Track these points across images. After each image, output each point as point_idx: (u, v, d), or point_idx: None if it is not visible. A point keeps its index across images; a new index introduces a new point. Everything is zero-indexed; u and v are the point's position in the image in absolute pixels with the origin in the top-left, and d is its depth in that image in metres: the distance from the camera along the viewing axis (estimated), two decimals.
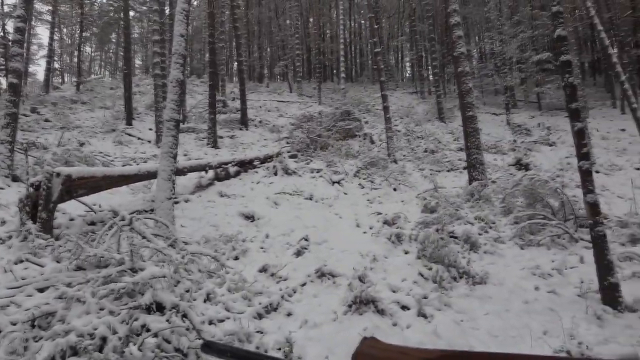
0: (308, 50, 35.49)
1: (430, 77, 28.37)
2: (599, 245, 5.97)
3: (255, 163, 11.91)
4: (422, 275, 6.33)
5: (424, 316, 5.35)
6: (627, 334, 5.25)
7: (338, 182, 11.05)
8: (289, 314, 5.29)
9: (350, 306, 5.39)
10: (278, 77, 38.38)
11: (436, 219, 8.24)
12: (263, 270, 6.53)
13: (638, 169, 12.50)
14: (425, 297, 5.70)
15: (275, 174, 11.39)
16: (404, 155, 14.04)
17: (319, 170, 11.74)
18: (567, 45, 7.13)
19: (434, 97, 22.13)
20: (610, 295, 5.79)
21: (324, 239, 7.89)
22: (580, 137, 6.51)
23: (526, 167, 12.58)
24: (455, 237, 7.65)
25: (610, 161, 13.22)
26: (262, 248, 7.53)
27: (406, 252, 7.23)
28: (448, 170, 12.97)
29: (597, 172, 11.86)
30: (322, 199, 9.95)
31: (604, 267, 5.87)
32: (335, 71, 37.57)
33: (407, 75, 43.41)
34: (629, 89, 15.78)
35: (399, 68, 43.70)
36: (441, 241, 6.84)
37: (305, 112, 18.70)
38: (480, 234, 8.01)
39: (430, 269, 6.43)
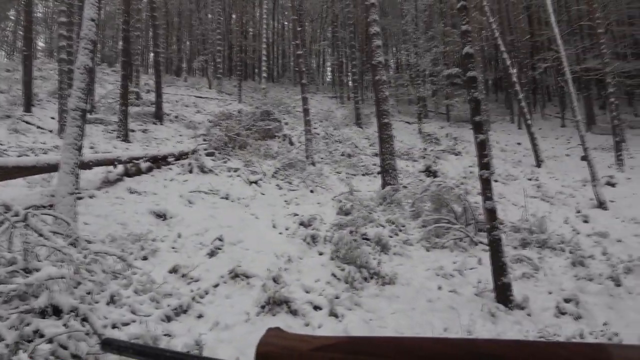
0: (230, 47, 34.84)
1: (350, 83, 29.15)
2: (495, 248, 6.51)
3: (170, 159, 11.45)
4: (335, 276, 6.47)
5: (335, 316, 5.48)
6: (516, 330, 5.77)
7: (256, 182, 10.97)
8: (199, 316, 5.14)
9: (263, 307, 5.37)
10: (197, 72, 37.24)
11: (350, 221, 8.47)
12: (174, 271, 6.29)
13: (530, 179, 13.80)
14: (337, 297, 5.83)
15: (191, 171, 11.04)
16: (322, 158, 14.28)
17: (236, 170, 11.57)
18: (473, 62, 7.69)
19: (352, 103, 22.76)
20: (503, 294, 6.34)
21: (239, 239, 7.79)
22: (482, 148, 7.05)
23: (434, 174, 13.36)
24: (368, 239, 7.92)
25: (507, 171, 14.46)
26: (173, 248, 7.25)
27: (320, 254, 7.35)
28: (363, 174, 13.40)
29: (496, 181, 12.91)
30: (238, 199, 9.81)
31: (498, 269, 6.41)
32: (256, 70, 37.28)
33: (328, 79, 44.23)
34: (525, 106, 17.40)
35: (320, 72, 44.40)
36: (354, 243, 7.05)
37: (224, 110, 18.33)
38: (391, 237, 8.37)
39: (343, 269, 6.59)
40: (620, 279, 7.58)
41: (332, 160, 14.31)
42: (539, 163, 15.62)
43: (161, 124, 16.30)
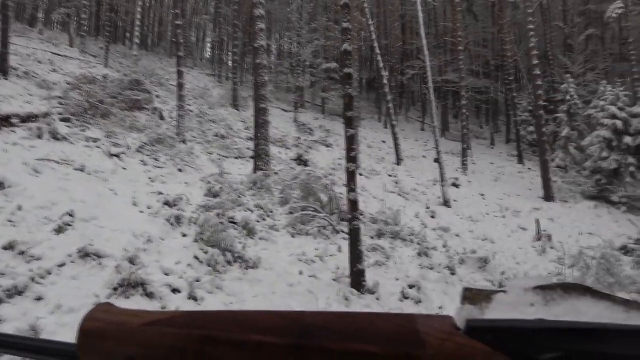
0: (98, 4, 31.48)
1: (230, 62, 28.45)
2: (354, 237, 6.95)
3: (14, 120, 9.99)
4: (197, 259, 6.32)
5: (195, 299, 5.36)
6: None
7: (117, 156, 10.14)
8: (38, 298, 4.63)
9: (115, 289, 5.03)
10: (56, 25, 32.98)
11: (218, 204, 8.32)
12: (9, 247, 5.55)
13: (390, 175, 14.97)
14: (198, 280, 5.71)
15: (40, 137, 9.78)
16: (193, 137, 13.75)
17: (95, 140, 10.55)
18: (350, 59, 8.04)
19: (230, 83, 22.26)
20: (357, 279, 6.81)
21: (94, 215, 7.15)
22: (351, 143, 7.45)
23: (305, 163, 13.75)
24: (235, 223, 7.87)
25: (371, 166, 15.49)
26: (10, 221, 6.38)
27: (184, 235, 7.10)
28: (236, 157, 13.23)
29: (361, 174, 13.74)
30: (96, 172, 8.98)
31: (355, 256, 6.86)
32: (128, 35, 34.27)
33: (207, 56, 42.57)
34: (392, 108, 18.75)
35: (199, 47, 42.54)
36: (220, 225, 6.95)
37: (86, 73, 16.55)
38: (258, 221, 8.42)
39: (206, 252, 6.46)
40: (455, 268, 8.66)
41: (204, 139, 13.86)
42: (399, 161, 17.00)
43: (5, 79, 14.14)
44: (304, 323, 0.47)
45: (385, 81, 18.44)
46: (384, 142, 19.86)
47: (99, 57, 21.22)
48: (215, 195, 8.97)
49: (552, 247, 10.70)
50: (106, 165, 9.42)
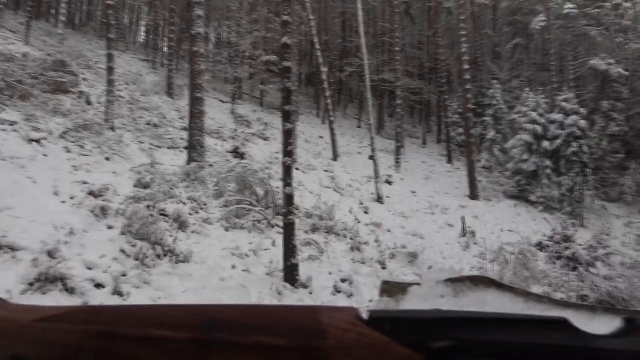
0: None
1: (165, 48, 27.34)
2: (288, 231, 6.95)
3: None
4: (124, 252, 6.04)
5: (120, 294, 5.13)
6: None
7: (37, 141, 9.43)
8: None
9: (31, 284, 4.69)
10: None
11: (149, 195, 7.99)
12: None
13: (326, 170, 15.13)
14: (124, 275, 5.47)
15: None
16: (123, 124, 13.09)
17: (12, 123, 9.74)
18: (289, 53, 8.01)
19: (165, 71, 21.41)
20: (290, 274, 6.82)
21: (8, 205, 6.61)
22: (288, 137, 7.43)
23: (242, 156, 13.55)
24: (166, 215, 7.60)
25: (308, 161, 15.56)
26: None
27: (110, 227, 6.76)
28: (169, 147, 12.77)
29: (297, 169, 13.76)
30: (12, 158, 8.30)
31: (289, 250, 6.87)
32: (54, 11, 31.93)
33: (141, 40, 40.63)
34: (330, 104, 18.93)
35: (133, 30, 40.52)
36: (150, 218, 6.69)
37: (4, 49, 15.22)
38: (190, 214, 8.19)
39: (134, 245, 6.20)
40: (386, 262, 8.93)
41: (135, 128, 13.24)
42: (335, 157, 17.22)
43: None
44: (209, 317, 0.46)
45: (324, 77, 18.57)
46: (321, 137, 20.02)
47: (19, 34, 19.59)
48: (145, 186, 8.62)
49: (475, 243, 11.32)
50: (24, 151, 8.75)
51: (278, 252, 7.19)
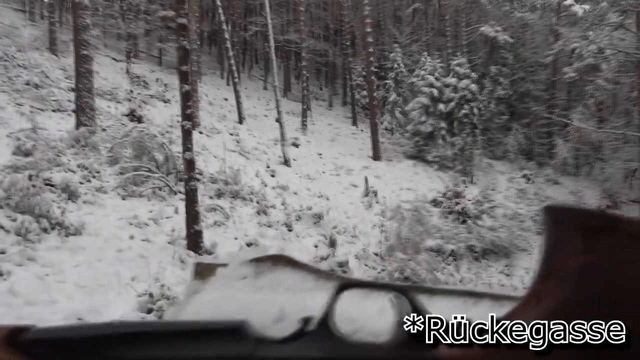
0: None
1: None
2: (190, 197, 6.74)
3: None
4: (2, 228, 5.46)
5: (0, 274, 4.66)
6: None
7: None
8: None
9: None
10: None
11: (30, 164, 7.24)
12: None
13: (232, 134, 14.77)
14: (3, 253, 4.96)
15: None
16: None
17: None
18: (185, 8, 7.53)
19: (47, 24, 19.13)
20: (194, 241, 6.67)
21: None
22: (186, 99, 7.08)
23: (139, 120, 12.71)
24: (53, 185, 6.97)
25: (212, 125, 15.05)
26: None
27: None
28: (54, 111, 11.57)
29: (201, 133, 13.28)
30: None
31: (192, 217, 6.69)
32: None
33: None
34: (234, 65, 18.32)
35: None
36: (33, 189, 6.09)
37: None
38: (82, 183, 7.59)
39: (14, 220, 5.63)
40: (292, 225, 9.07)
41: (12, 88, 11.76)
42: (241, 120, 16.84)
43: None
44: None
45: (227, 36, 17.84)
46: (226, 99, 19.39)
47: None
48: (26, 154, 7.78)
49: (377, 202, 11.88)
50: None
51: (181, 220, 6.97)
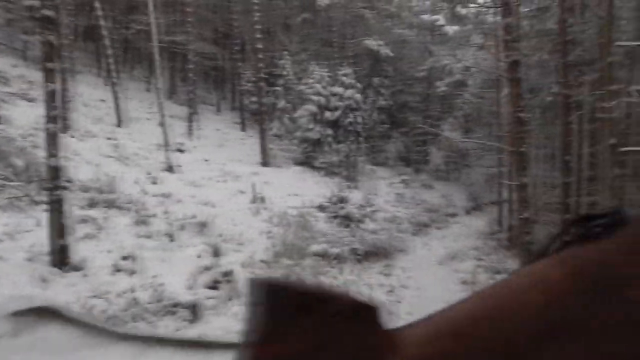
0: None
1: None
2: (55, 208, 6.14)
3: None
4: None
5: None
6: (71, 292, 5.66)
7: None
8: None
9: None
10: None
11: None
12: None
13: (109, 138, 13.76)
14: None
15: None
16: None
17: None
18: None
19: None
20: (59, 257, 6.07)
21: None
22: (52, 99, 6.46)
23: None
24: None
25: (86, 128, 13.89)
26: None
27: None
28: None
29: (73, 136, 12.16)
30: None
31: (57, 230, 6.08)
32: None
33: None
34: (113, 63, 17.13)
35: None
36: None
37: None
38: None
39: None
40: (175, 234, 8.70)
41: None
42: (120, 123, 15.78)
43: None
44: None
45: (104, 32, 16.63)
46: (103, 100, 18.01)
47: None
48: None
49: (265, 208, 11.87)
50: None
51: (44, 234, 6.30)
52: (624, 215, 0.37)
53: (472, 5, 24.55)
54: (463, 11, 24.54)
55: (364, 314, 0.35)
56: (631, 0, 16.82)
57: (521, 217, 9.73)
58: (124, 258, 6.82)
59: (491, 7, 18.95)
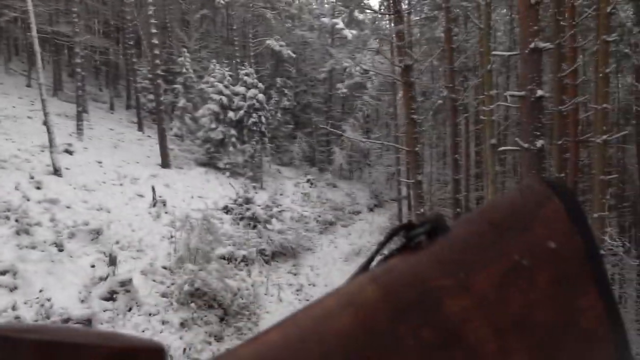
0: None
1: None
2: None
3: None
4: None
5: None
6: None
7: None
8: None
9: None
10: None
11: None
12: None
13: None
14: None
15: None
16: None
17: None
18: None
19: None
20: None
21: None
22: None
23: None
24: None
25: None
26: None
27: None
28: None
29: None
30: None
31: None
32: None
33: None
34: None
35: None
36: None
37: None
38: None
39: None
40: (64, 243, 7.94)
41: None
42: None
43: None
44: None
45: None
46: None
47: None
48: None
49: (166, 212, 11.33)
50: None
51: None
52: (441, 223, 0.35)
53: (368, 11, 25.65)
54: (360, 16, 25.51)
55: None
56: (507, 14, 18.74)
57: (417, 212, 10.37)
58: (2, 273, 6.08)
59: (385, 14, 20.00)
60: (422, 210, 10.19)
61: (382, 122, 28.13)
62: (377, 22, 26.15)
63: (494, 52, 13.23)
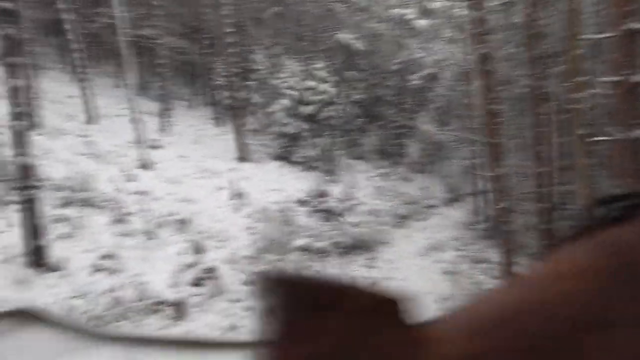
0: None
1: None
2: (29, 208, 5.86)
3: None
4: None
5: None
6: (52, 293, 5.42)
7: None
8: None
9: None
10: None
11: None
12: None
13: (81, 136, 13.29)
14: None
15: None
16: None
17: None
18: None
19: None
20: (36, 258, 5.81)
21: None
22: (16, 96, 6.16)
23: None
24: None
25: (56, 125, 13.38)
26: None
27: None
28: None
29: (40, 134, 11.68)
30: None
31: (31, 231, 5.81)
32: None
33: None
34: (80, 59, 16.55)
35: None
36: None
37: None
38: None
39: None
40: (155, 232, 8.46)
41: None
42: (91, 120, 15.28)
43: None
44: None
45: (68, 26, 16.03)
46: (71, 97, 17.41)
47: None
48: None
49: (246, 204, 11.71)
50: None
51: (17, 234, 6.01)
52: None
53: None
54: (433, 4, 24.76)
55: (387, 309, 0.31)
56: None
57: (498, 207, 9.90)
58: (103, 257, 6.59)
59: (458, 1, 19.22)
60: (503, 204, 9.72)
61: (457, 114, 27.18)
62: (449, 11, 25.25)
63: (582, 36, 12.28)
